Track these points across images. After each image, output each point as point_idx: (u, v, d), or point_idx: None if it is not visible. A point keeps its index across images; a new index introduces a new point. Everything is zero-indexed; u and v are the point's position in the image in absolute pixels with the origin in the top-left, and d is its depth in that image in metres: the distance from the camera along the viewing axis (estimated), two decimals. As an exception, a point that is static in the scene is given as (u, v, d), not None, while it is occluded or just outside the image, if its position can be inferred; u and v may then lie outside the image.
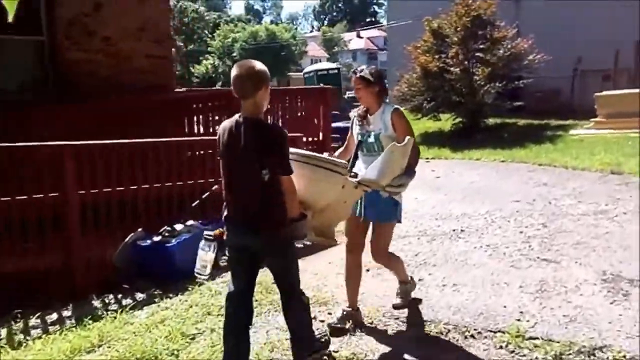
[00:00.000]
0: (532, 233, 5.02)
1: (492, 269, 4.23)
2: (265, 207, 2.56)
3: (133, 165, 5.17)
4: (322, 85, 10.94)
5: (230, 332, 2.80)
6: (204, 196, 5.38)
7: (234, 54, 49.21)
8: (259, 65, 2.57)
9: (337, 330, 3.34)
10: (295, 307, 2.84)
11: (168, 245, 4.73)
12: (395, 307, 3.56)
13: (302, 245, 4.56)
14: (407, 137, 2.93)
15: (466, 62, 13.24)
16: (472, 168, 9.38)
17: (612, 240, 4.64)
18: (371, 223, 3.33)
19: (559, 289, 3.74)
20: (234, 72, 2.55)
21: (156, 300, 4.36)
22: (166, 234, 4.92)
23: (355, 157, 3.26)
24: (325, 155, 3.12)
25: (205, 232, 3.22)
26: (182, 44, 60.14)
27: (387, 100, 3.37)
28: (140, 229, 4.98)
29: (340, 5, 77.51)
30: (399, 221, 3.31)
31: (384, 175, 2.85)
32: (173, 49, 8.98)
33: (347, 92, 28.49)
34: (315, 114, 7.71)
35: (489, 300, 3.70)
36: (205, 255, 3.24)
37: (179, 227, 5.02)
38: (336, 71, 21.43)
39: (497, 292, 3.81)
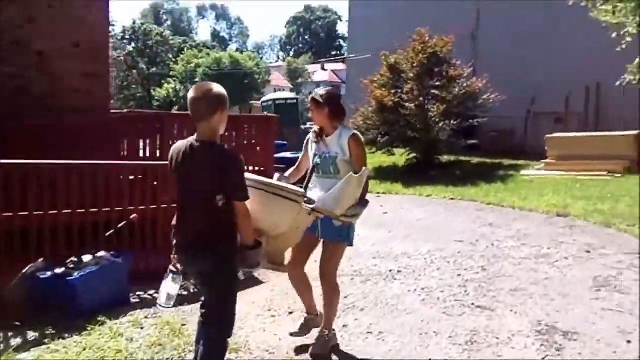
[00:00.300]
0: (470, 276, 4.74)
1: (423, 315, 3.89)
2: (217, 234, 2.48)
3: (41, 188, 4.66)
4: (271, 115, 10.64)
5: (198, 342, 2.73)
6: (120, 225, 4.90)
7: (197, 79, 48.71)
8: (216, 87, 2.51)
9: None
10: (213, 345, 2.63)
11: (69, 278, 4.22)
12: (314, 356, 3.30)
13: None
14: (364, 168, 3.00)
15: (421, 99, 13.23)
16: (421, 205, 9.18)
17: (551, 286, 4.40)
18: (322, 243, 3.27)
19: (490, 340, 3.43)
20: (190, 94, 2.49)
21: (46, 341, 3.83)
22: (71, 266, 4.41)
23: (309, 179, 3.22)
24: (279, 181, 3.07)
25: (170, 267, 2.94)
26: (144, 67, 59.58)
27: (344, 124, 3.31)
28: (41, 259, 4.45)
29: (306, 37, 78.49)
30: (351, 244, 3.28)
31: (340, 205, 2.88)
32: (113, 71, 8.49)
33: (308, 123, 28.33)
34: (260, 142, 7.36)
35: (414, 352, 3.35)
36: (171, 287, 2.98)
37: (86, 258, 4.51)
38: (294, 101, 21.19)
39: (424, 342, 3.47)
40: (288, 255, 3.24)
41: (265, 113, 21.11)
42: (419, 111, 13.22)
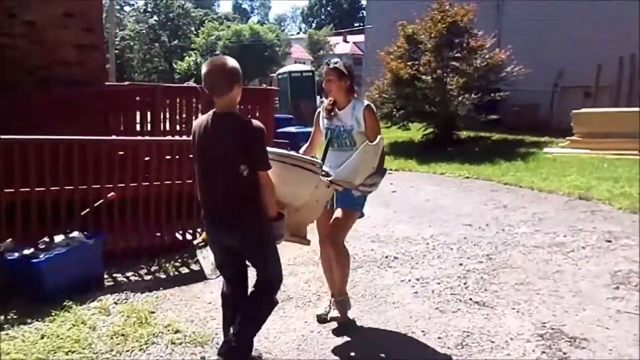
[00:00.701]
0: (472, 266, 4.30)
1: (413, 311, 3.49)
2: (244, 203, 2.50)
3: (11, 164, 4.35)
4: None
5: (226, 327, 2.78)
6: (97, 204, 4.59)
7: (217, 52, 48.28)
8: (230, 61, 2.50)
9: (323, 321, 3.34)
10: (260, 303, 2.71)
11: (34, 260, 3.92)
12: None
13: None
14: (380, 137, 2.98)
15: (439, 71, 12.56)
16: (433, 183, 8.70)
17: (562, 281, 3.93)
18: (336, 210, 3.21)
19: (484, 343, 3.01)
20: (205, 68, 2.47)
21: (6, 326, 3.56)
22: (41, 247, 4.11)
23: (325, 153, 3.21)
24: (299, 153, 3.04)
25: (195, 242, 3.17)
26: (165, 40, 59.30)
27: (356, 97, 3.27)
28: (10, 239, 4.16)
29: (329, 9, 76.93)
30: (362, 215, 3.28)
31: (358, 175, 2.88)
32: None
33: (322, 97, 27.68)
34: (255, 116, 6.92)
35: (397, 354, 2.95)
36: (207, 260, 3.03)
37: (58, 238, 4.21)
38: (310, 74, 20.58)
39: (409, 343, 3.07)
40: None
41: (279, 88, 20.83)
42: (437, 84, 12.57)
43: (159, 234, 5.04)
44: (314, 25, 74.48)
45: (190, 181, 4.75)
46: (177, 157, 5.11)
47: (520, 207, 6.55)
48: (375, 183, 3.00)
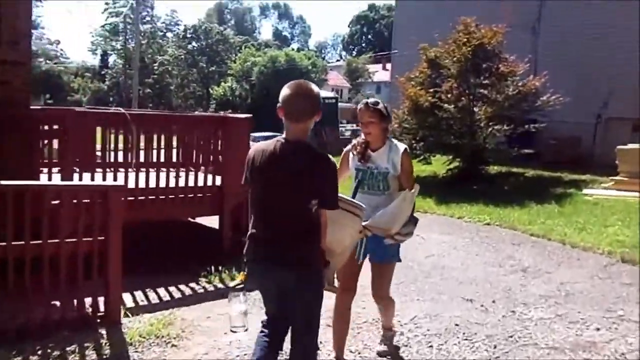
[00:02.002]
0: (454, 383, 2.95)
1: None
2: (309, 240, 2.30)
3: None
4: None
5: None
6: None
7: (252, 78, 48.20)
8: (315, 87, 2.35)
9: None
10: (308, 345, 2.44)
11: None
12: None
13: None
14: (416, 185, 2.94)
15: (463, 99, 11.24)
16: (446, 231, 7.33)
17: None
18: (371, 266, 3.10)
19: None
20: (289, 91, 2.27)
21: None
22: None
23: (354, 195, 3.00)
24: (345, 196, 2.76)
25: (232, 284, 3.01)
26: (203, 65, 59.93)
27: (392, 138, 3.14)
28: None
29: (369, 37, 76.60)
30: (400, 260, 3.13)
31: (396, 223, 2.81)
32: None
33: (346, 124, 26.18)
34: (226, 148, 5.80)
35: None
36: (238, 307, 2.88)
37: None
38: (333, 101, 19.51)
39: None
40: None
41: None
42: (462, 113, 11.25)
43: (57, 304, 3.92)
44: (354, 52, 74.26)
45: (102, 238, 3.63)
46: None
47: (544, 273, 5.13)
48: (410, 232, 2.94)
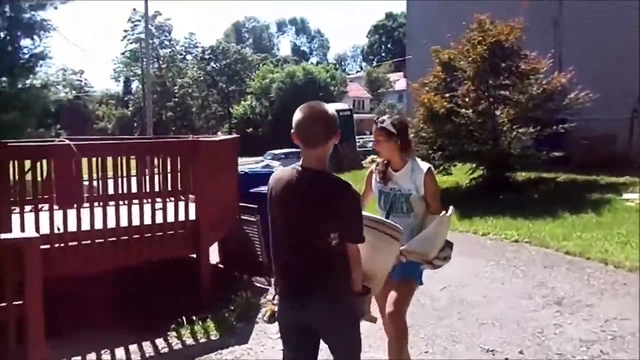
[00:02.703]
0: None
1: None
2: (331, 277, 2.14)
3: None
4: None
5: None
6: None
7: (271, 95, 47.93)
8: (329, 108, 2.20)
9: None
10: None
11: None
12: None
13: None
14: (451, 207, 2.81)
15: (482, 102, 10.35)
16: (468, 252, 6.45)
17: None
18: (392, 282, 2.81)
19: None
20: (300, 115, 2.13)
21: None
22: None
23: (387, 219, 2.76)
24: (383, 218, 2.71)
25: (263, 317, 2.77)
26: (223, 85, 60.11)
27: (415, 157, 3.02)
28: None
29: (389, 45, 75.90)
30: (421, 283, 2.98)
31: (433, 248, 2.72)
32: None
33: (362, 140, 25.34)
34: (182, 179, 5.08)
35: None
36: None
37: None
38: (348, 112, 18.68)
39: None
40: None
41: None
42: (482, 118, 10.36)
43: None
44: (374, 63, 73.75)
45: None
46: None
47: (583, 306, 4.25)
48: (448, 257, 2.82)
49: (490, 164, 10.96)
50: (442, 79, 11.13)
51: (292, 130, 2.14)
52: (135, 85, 68.89)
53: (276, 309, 2.28)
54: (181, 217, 4.39)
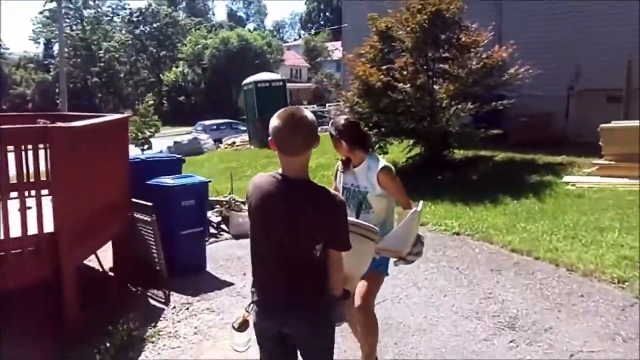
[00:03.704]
0: None
1: None
2: (316, 284, 2.11)
3: None
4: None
5: None
6: None
7: (204, 61, 45.67)
8: (309, 114, 2.08)
9: None
10: None
11: None
12: None
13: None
14: (421, 201, 2.90)
15: (421, 76, 9.61)
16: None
17: None
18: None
19: None
20: (279, 122, 2.01)
21: None
22: None
23: (357, 217, 2.86)
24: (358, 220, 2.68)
25: (233, 323, 2.32)
26: (153, 50, 56.74)
27: (371, 152, 3.06)
28: None
29: (327, 14, 74.30)
30: (387, 274, 3.03)
31: (406, 244, 2.77)
32: None
33: (307, 106, 24.54)
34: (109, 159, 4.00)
35: None
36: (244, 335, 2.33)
37: None
38: (280, 83, 17.56)
39: None
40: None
41: (244, 100, 17.95)
42: (420, 93, 9.62)
43: None
44: (312, 31, 72.14)
45: None
46: None
47: (541, 329, 3.55)
48: (420, 252, 2.88)
49: (428, 141, 10.33)
50: (378, 49, 10.28)
51: (270, 137, 2.04)
52: (57, 47, 63.78)
53: (250, 317, 2.18)
54: (32, 229, 3.29)
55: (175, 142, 19.51)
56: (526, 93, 10.85)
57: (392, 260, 2.88)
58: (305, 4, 76.60)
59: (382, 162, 2.95)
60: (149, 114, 20.25)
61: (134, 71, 56.50)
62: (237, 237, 6.84)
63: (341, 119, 3.04)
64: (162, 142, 21.68)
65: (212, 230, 6.95)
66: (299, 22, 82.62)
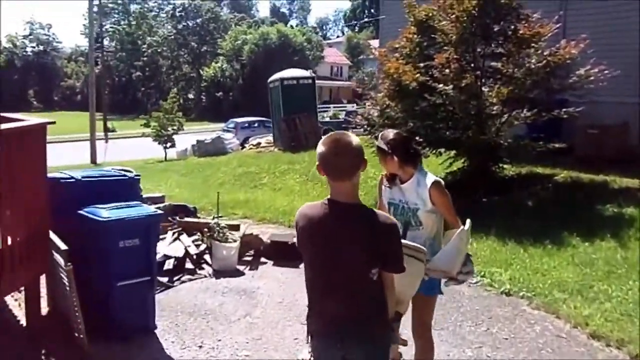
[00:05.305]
0: None
1: None
2: (374, 310, 2.10)
3: None
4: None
5: None
6: None
7: (243, 57, 44.68)
8: (355, 138, 2.10)
9: None
10: None
11: None
12: None
13: None
14: (468, 220, 2.77)
15: (467, 76, 7.81)
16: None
17: None
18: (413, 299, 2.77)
19: None
20: (324, 149, 2.06)
21: None
22: None
23: (404, 235, 2.73)
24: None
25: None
26: (194, 45, 56.29)
27: (421, 167, 2.94)
28: None
29: (372, 10, 72.42)
30: (442, 292, 2.98)
31: (456, 264, 2.71)
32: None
33: (324, 112, 22.61)
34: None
35: None
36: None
37: None
38: (309, 81, 15.95)
39: None
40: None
41: (270, 99, 16.46)
42: (465, 96, 7.85)
43: None
44: (356, 28, 70.50)
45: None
46: None
47: None
48: (471, 271, 2.84)
49: (473, 154, 8.55)
50: (416, 43, 8.55)
51: (317, 163, 2.08)
52: (106, 42, 64.56)
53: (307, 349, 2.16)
54: None
55: (197, 141, 18.24)
56: (596, 99, 8.82)
57: (443, 280, 2.83)
58: (350, 0, 74.98)
59: (432, 176, 2.88)
60: (173, 110, 19.09)
61: (176, 66, 56.27)
62: (219, 274, 5.33)
63: (390, 133, 2.92)
64: (192, 138, 20.49)
65: (188, 265, 5.48)
66: (342, 19, 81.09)
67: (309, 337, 2.19)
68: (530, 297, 4.39)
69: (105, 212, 3.66)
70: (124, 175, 4.28)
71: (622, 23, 10.39)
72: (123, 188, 4.20)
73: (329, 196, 2.09)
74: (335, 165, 2.05)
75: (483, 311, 4.19)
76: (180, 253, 5.36)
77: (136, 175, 4.41)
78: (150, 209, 4.01)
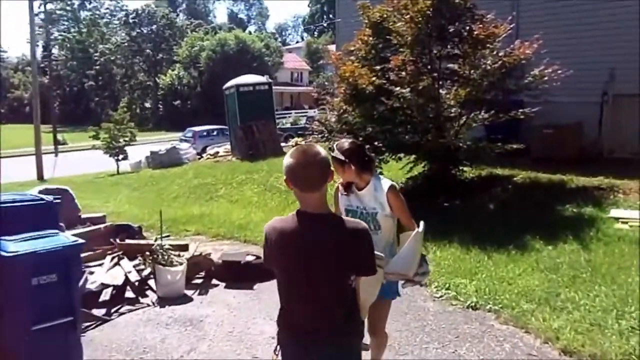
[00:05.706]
0: None
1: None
2: (350, 317, 2.13)
3: None
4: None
5: None
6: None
7: (200, 64, 43.85)
8: (322, 150, 2.13)
9: None
10: None
11: None
12: None
13: None
14: (422, 222, 2.84)
15: (424, 78, 7.61)
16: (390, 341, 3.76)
17: None
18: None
19: None
20: (292, 160, 2.07)
21: None
22: None
23: None
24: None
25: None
26: (149, 52, 54.97)
27: (377, 173, 3.14)
28: None
29: (330, 16, 72.57)
30: (399, 295, 3.08)
31: (412, 266, 2.78)
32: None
33: (283, 119, 22.15)
34: None
35: None
36: None
37: None
38: (266, 87, 15.57)
39: None
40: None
41: (226, 106, 15.99)
42: (422, 99, 7.65)
43: None
44: (315, 33, 70.54)
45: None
46: None
47: None
48: (427, 271, 2.93)
49: (432, 158, 8.36)
50: (371, 45, 8.31)
51: (285, 177, 2.09)
52: (56, 50, 62.23)
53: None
54: None
55: (152, 152, 17.51)
56: (551, 99, 8.77)
57: (400, 282, 2.89)
58: (308, 6, 74.94)
59: (388, 181, 2.96)
60: (125, 120, 18.31)
61: (131, 74, 54.82)
62: (164, 302, 4.88)
63: (345, 143, 2.97)
64: (149, 149, 19.66)
65: (129, 294, 5.00)
66: (301, 24, 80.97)
67: (278, 348, 2.17)
68: (497, 311, 4.14)
69: (13, 246, 3.19)
70: (41, 200, 3.80)
71: (574, 23, 10.47)
72: (39, 214, 3.71)
73: (298, 208, 2.09)
74: (304, 177, 2.05)
75: (449, 329, 3.91)
76: (119, 281, 4.88)
77: (55, 199, 3.92)
78: (71, 238, 3.52)
